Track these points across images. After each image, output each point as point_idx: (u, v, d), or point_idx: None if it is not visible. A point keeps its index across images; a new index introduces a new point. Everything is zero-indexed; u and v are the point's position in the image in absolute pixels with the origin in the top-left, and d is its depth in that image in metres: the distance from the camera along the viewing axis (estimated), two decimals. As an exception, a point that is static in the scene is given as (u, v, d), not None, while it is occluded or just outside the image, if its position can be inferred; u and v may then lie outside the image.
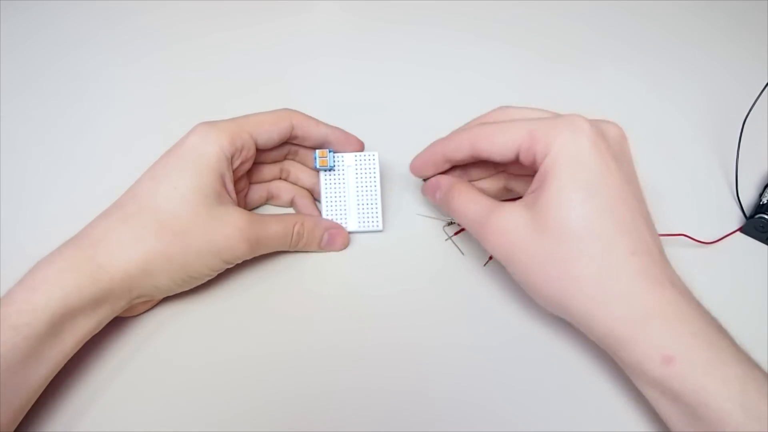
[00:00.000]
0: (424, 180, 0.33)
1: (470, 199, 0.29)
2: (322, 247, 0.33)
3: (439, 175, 0.32)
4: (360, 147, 0.34)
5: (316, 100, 0.42)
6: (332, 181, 0.34)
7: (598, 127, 0.26)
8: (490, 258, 0.33)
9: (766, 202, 0.35)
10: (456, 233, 0.34)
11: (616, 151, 0.26)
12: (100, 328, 0.27)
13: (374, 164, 0.34)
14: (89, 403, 0.28)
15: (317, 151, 0.33)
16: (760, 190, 0.37)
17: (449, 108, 0.43)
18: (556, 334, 0.30)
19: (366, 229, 0.34)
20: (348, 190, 0.34)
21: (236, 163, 0.30)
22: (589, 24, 0.50)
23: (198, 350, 0.30)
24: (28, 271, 0.26)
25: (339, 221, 0.34)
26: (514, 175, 0.33)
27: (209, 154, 0.28)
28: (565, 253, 0.25)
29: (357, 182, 0.34)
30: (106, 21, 0.49)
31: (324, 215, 0.34)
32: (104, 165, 0.38)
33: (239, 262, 0.30)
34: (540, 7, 0.51)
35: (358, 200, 0.34)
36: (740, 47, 0.48)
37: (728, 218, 0.36)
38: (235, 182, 0.31)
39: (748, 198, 0.37)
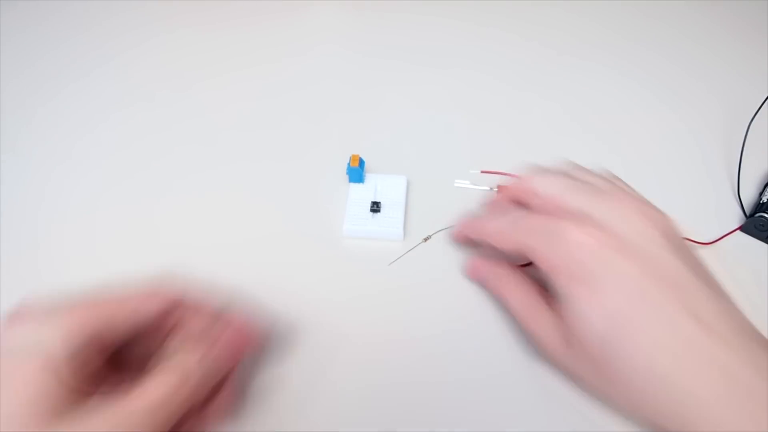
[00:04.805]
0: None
1: (515, 289, 0.29)
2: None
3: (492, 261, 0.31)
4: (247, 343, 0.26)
5: (316, 99, 0.42)
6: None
7: (602, 224, 0.25)
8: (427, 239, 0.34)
9: (766, 200, 0.35)
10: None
11: (628, 239, 0.25)
12: None
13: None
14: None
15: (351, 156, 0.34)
16: (761, 189, 0.36)
17: (451, 105, 0.43)
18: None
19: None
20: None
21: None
22: (596, 20, 0.50)
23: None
24: None
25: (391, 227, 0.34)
26: None
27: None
28: (599, 363, 0.24)
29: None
30: (105, 20, 0.50)
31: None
32: (104, 165, 0.38)
33: None
34: (549, 4, 0.52)
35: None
36: (746, 46, 0.48)
37: (728, 217, 0.36)
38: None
39: (748, 197, 0.37)
